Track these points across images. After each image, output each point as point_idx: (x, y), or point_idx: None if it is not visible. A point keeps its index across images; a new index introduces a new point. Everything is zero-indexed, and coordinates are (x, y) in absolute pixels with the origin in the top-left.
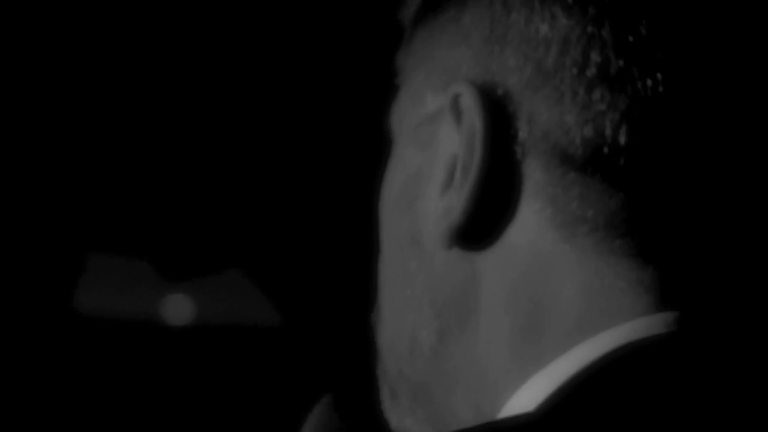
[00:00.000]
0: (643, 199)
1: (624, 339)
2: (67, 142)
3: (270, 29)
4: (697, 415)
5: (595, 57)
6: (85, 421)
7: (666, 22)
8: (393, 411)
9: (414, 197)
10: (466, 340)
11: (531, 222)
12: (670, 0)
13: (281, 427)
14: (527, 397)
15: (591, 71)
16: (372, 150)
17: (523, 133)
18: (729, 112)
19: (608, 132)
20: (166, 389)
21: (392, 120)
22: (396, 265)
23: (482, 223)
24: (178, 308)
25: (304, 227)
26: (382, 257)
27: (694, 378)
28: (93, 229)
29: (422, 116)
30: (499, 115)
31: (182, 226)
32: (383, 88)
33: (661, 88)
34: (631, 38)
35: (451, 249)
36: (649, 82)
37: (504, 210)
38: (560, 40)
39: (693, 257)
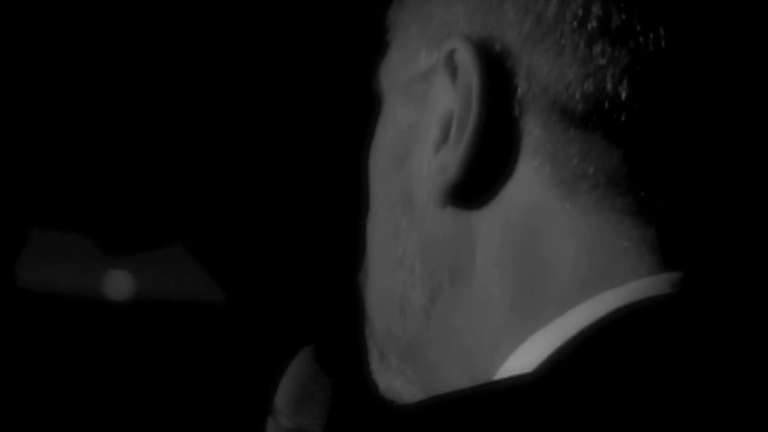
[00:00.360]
0: (644, 156)
1: (627, 299)
2: (7, 120)
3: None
4: (698, 378)
5: (596, 10)
6: (24, 394)
7: None
8: (381, 373)
9: (406, 155)
10: (460, 299)
11: (530, 179)
12: None
13: (223, 400)
14: (525, 357)
15: (592, 24)
16: (307, 123)
17: (521, 89)
18: (730, 67)
19: (609, 87)
20: (107, 364)
21: (382, 78)
22: (386, 225)
23: (479, 180)
24: (118, 283)
25: (245, 202)
26: (371, 216)
27: (695, 340)
28: (34, 204)
29: (415, 73)
30: (496, 70)
31: (123, 200)
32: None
33: (663, 43)
34: None
35: (445, 207)
36: (651, 37)
37: (501, 167)
38: None
39: (696, 216)
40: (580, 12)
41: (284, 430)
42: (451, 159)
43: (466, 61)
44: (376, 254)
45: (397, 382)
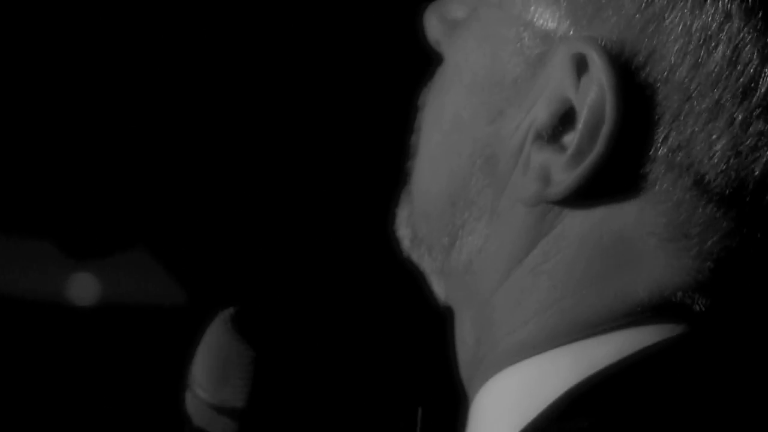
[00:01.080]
0: (750, 235)
1: (658, 335)
2: None
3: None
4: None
5: (764, 84)
6: None
7: None
8: (413, 251)
9: (501, 112)
10: (508, 275)
11: (634, 218)
12: None
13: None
14: (552, 369)
15: (757, 98)
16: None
17: (659, 139)
18: None
19: (758, 172)
20: (72, 369)
21: None
22: (462, 167)
23: (581, 203)
24: (82, 287)
25: (208, 205)
26: (441, 142)
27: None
28: None
29: (528, 24)
30: (636, 102)
31: (86, 205)
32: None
33: None
34: None
35: (533, 208)
36: None
37: (613, 201)
38: (729, 46)
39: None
40: (748, 79)
41: (205, 405)
42: (562, 175)
43: (601, 78)
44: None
45: (426, 261)
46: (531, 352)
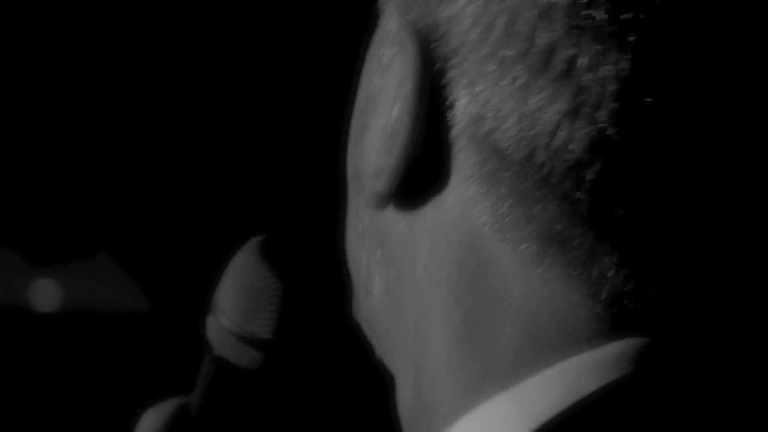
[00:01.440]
0: (581, 215)
1: (601, 375)
2: None
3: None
4: None
5: (540, 40)
6: None
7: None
8: (369, 340)
9: (365, 126)
10: (404, 305)
11: (467, 208)
12: None
13: (148, 408)
14: (490, 422)
15: (534, 56)
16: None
17: (459, 108)
18: (700, 124)
19: (543, 133)
20: (34, 376)
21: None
22: (349, 193)
23: (411, 194)
24: (45, 294)
25: (171, 211)
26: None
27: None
28: None
29: (386, 33)
30: (438, 79)
31: (48, 210)
32: None
33: (612, 87)
34: (585, 22)
35: (382, 210)
36: (598, 77)
37: (435, 188)
38: (509, 7)
39: (646, 277)
40: (526, 37)
41: (229, 334)
42: (384, 165)
43: (408, 59)
44: (346, 224)
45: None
46: (463, 408)
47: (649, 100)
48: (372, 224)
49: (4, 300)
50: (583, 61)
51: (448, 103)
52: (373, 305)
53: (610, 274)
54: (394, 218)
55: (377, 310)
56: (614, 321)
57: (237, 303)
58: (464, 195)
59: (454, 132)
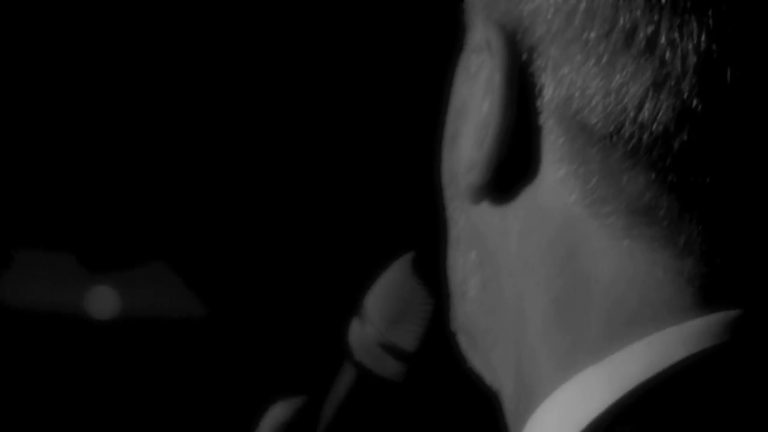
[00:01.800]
0: (668, 183)
1: (689, 345)
2: None
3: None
4: None
5: (622, 20)
6: (11, 414)
7: None
8: (463, 348)
9: (457, 133)
10: (503, 296)
11: (558, 189)
12: None
13: (207, 415)
14: (579, 396)
15: (617, 35)
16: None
17: (547, 93)
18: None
19: (630, 107)
20: (93, 382)
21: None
22: (446, 202)
23: (504, 183)
24: (103, 301)
25: (226, 218)
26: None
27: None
28: (17, 223)
29: (472, 44)
30: (525, 68)
31: (106, 218)
32: None
33: (693, 59)
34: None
35: (478, 204)
36: (679, 53)
37: (529, 173)
38: None
39: (731, 249)
40: (608, 19)
41: (371, 340)
42: (477, 158)
43: (496, 53)
44: (447, 231)
45: (475, 360)
46: (558, 383)
47: (729, 71)
48: (467, 225)
49: (62, 307)
50: (663, 36)
51: (536, 90)
52: (471, 308)
53: (695, 246)
54: (488, 213)
55: (475, 311)
56: (699, 294)
57: (385, 312)
58: (555, 177)
59: (543, 117)
